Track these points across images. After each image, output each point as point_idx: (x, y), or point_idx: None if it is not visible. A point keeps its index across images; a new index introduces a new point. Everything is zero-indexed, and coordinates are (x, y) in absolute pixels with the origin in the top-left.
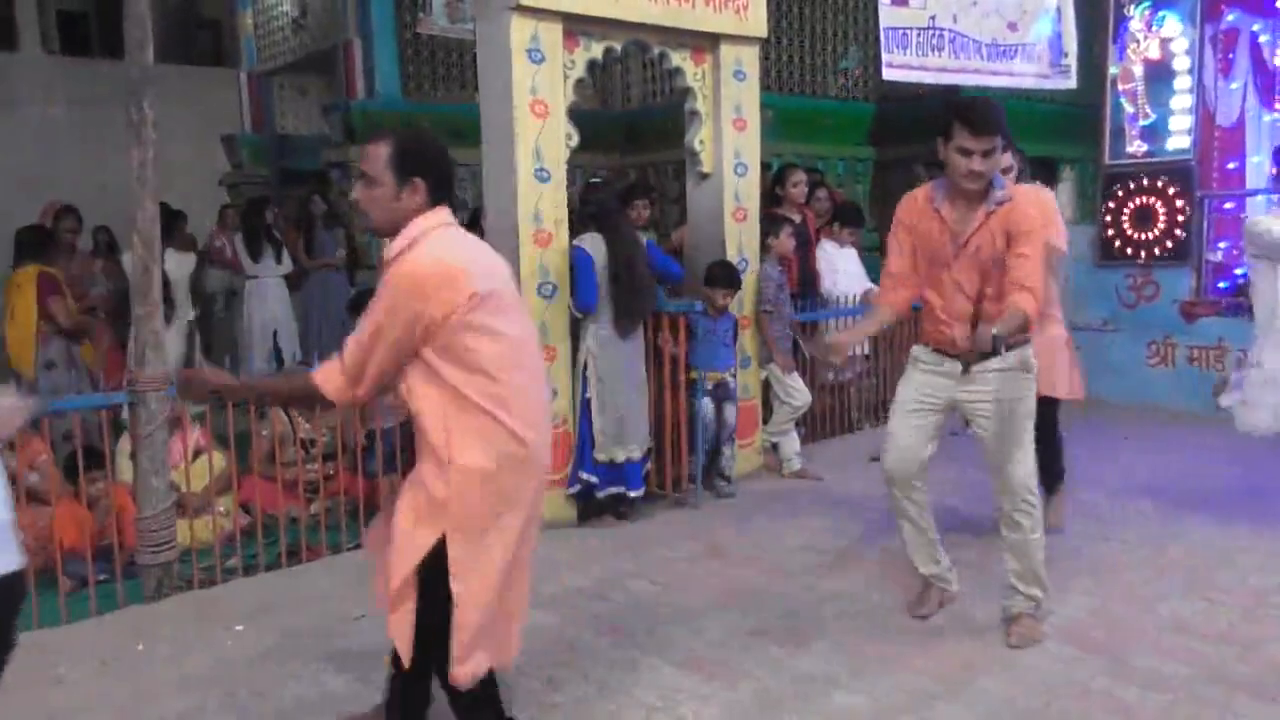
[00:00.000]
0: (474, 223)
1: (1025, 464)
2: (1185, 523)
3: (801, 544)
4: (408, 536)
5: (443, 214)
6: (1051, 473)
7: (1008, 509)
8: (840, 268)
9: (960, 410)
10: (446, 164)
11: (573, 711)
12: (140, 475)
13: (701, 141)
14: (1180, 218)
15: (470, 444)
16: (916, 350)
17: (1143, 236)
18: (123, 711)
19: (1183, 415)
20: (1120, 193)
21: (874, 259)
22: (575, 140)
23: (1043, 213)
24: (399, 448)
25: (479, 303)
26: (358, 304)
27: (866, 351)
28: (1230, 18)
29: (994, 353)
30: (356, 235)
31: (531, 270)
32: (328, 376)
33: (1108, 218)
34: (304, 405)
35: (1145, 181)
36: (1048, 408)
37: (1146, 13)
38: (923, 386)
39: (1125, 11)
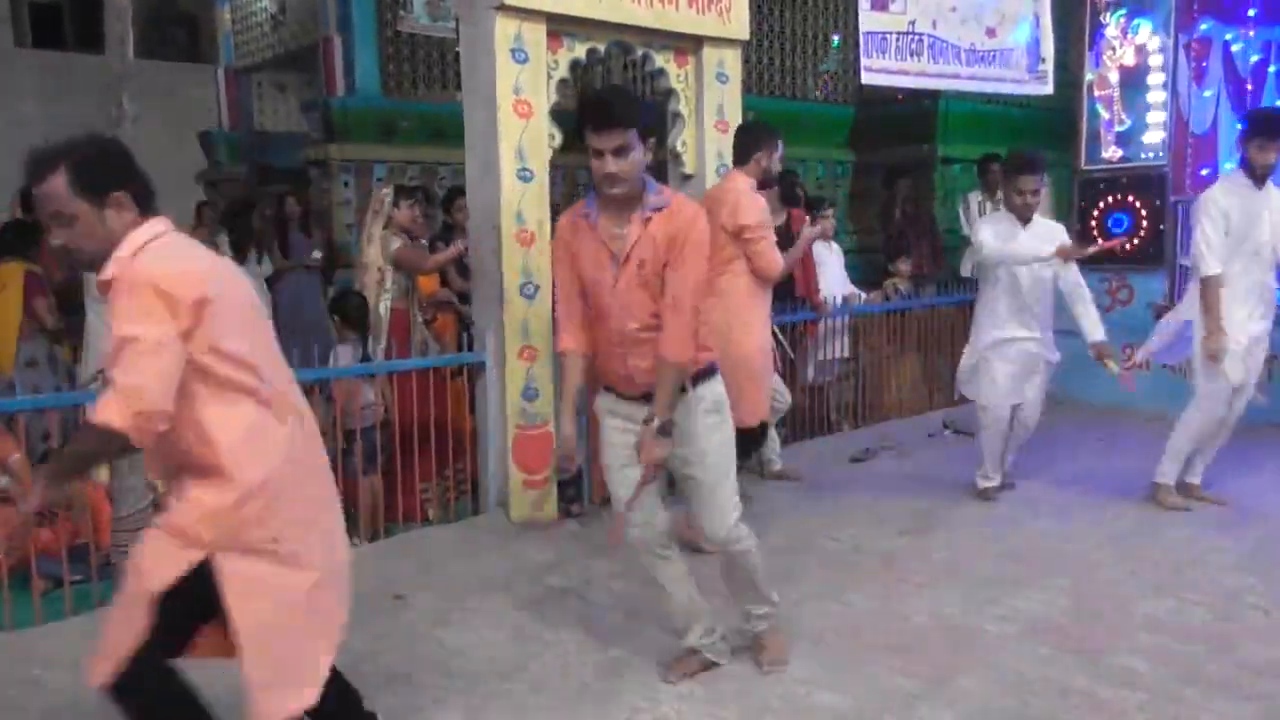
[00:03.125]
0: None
1: (727, 512)
2: (1158, 522)
3: (780, 544)
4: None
5: (158, 224)
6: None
7: (720, 553)
8: (828, 270)
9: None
10: (135, 166)
11: (556, 713)
12: (116, 475)
13: (684, 143)
14: (1155, 222)
15: None
16: (600, 401)
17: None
18: (99, 713)
19: (1157, 418)
20: (1095, 197)
21: (851, 260)
22: (559, 140)
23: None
24: (379, 447)
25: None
26: (338, 304)
27: (846, 354)
28: (1204, 27)
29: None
30: (335, 235)
31: (514, 270)
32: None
33: (1083, 222)
34: (106, 455)
35: (1120, 186)
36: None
37: (1122, 20)
38: (621, 447)
39: (1101, 19)
